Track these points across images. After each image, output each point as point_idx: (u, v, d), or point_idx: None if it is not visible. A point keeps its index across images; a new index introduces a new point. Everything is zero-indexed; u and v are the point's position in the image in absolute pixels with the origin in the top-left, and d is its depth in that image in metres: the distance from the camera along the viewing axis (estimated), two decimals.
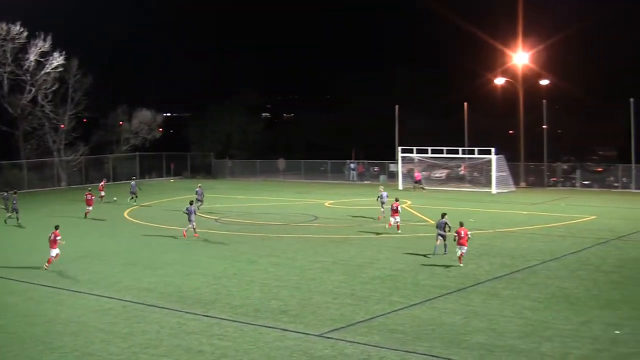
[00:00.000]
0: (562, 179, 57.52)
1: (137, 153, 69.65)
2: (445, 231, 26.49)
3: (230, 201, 48.10)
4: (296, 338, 17.04)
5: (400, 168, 56.63)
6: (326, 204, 45.46)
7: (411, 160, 57.33)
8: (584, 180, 56.07)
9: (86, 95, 64.22)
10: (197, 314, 19.27)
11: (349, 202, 46.43)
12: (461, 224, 25.72)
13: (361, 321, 18.29)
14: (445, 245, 26.53)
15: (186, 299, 21.08)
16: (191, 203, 32.86)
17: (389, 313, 19.01)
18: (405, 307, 19.57)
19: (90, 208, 40.10)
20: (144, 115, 71.59)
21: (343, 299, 20.63)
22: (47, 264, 25.40)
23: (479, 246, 28.73)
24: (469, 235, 25.37)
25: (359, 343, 16.51)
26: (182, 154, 73.21)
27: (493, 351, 15.80)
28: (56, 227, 25.88)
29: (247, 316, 18.99)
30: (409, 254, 27.34)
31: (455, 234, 25.45)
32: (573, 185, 56.28)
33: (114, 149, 69.79)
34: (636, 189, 52.70)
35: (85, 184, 59.53)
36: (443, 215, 27.09)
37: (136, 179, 51.47)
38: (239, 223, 37.49)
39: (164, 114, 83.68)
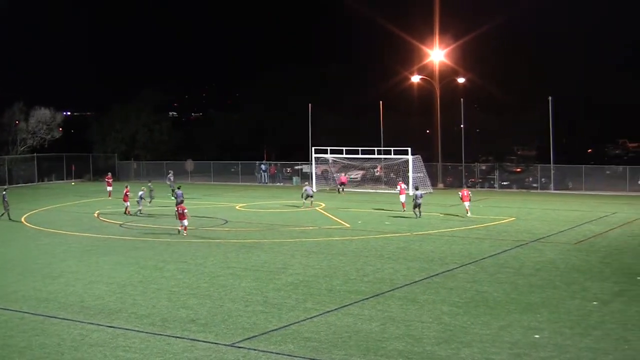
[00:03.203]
0: (480, 180, 57.45)
1: (35, 154, 66.25)
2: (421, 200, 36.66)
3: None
4: (206, 348, 16.40)
5: (314, 169, 55.79)
6: (237, 207, 44.59)
7: (325, 161, 56.57)
8: (503, 181, 56.22)
9: None
10: (101, 325, 18.34)
11: (261, 205, 45.67)
12: (462, 186, 39.04)
13: (274, 329, 17.77)
14: (419, 212, 36.45)
15: (89, 309, 20.02)
16: (179, 188, 39.47)
17: (303, 320, 18.54)
18: (320, 314, 19.11)
19: (127, 203, 41.08)
20: (43, 114, 67.98)
21: (255, 306, 20.03)
22: (184, 232, 31.99)
23: (396, 250, 28.70)
24: (470, 194, 37.41)
25: (272, 352, 16.03)
26: (84, 155, 70.34)
27: (411, 358, 15.60)
28: (180, 202, 34.87)
29: (154, 326, 18.20)
30: (322, 259, 26.90)
31: (460, 193, 37.47)
32: (492, 186, 56.32)
33: (9, 149, 66.10)
34: (555, 189, 53.36)
35: None
36: (417, 187, 39.46)
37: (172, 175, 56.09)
38: (143, 227, 36.12)
39: (64, 113, 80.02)
